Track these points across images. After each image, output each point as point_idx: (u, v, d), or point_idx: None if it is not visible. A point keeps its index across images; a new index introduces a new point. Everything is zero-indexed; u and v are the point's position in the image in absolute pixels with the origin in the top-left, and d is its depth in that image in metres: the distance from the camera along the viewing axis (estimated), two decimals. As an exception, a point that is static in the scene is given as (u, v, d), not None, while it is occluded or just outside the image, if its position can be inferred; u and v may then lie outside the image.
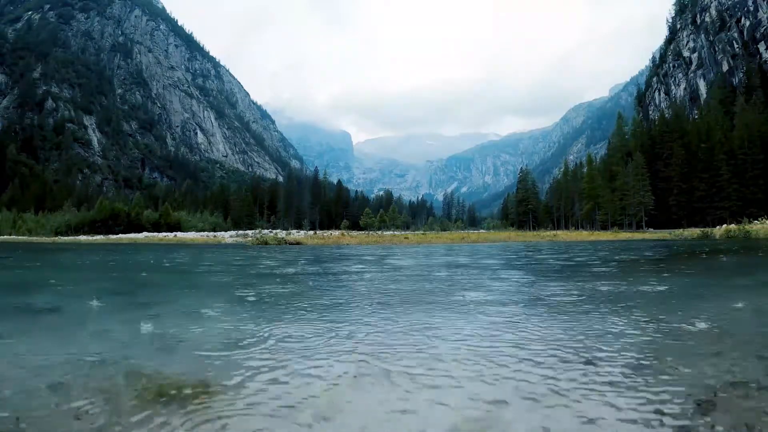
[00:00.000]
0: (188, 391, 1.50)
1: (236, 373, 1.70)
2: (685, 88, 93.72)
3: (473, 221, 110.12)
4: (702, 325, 2.49)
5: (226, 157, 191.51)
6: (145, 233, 42.91)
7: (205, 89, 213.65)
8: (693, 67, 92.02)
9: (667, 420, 1.26)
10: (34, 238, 41.94)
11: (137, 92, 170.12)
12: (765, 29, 76.24)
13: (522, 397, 1.44)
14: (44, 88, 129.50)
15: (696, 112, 76.86)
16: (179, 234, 40.65)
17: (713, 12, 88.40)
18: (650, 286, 4.48)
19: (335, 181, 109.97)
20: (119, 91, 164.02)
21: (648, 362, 1.81)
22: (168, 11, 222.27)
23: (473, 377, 1.65)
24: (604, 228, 51.22)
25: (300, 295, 4.18)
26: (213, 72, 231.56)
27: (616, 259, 8.97)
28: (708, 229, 25.44)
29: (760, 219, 25.30)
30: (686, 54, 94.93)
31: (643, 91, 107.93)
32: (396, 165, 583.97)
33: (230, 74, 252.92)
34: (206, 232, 45.15)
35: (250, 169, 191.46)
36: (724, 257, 9.19)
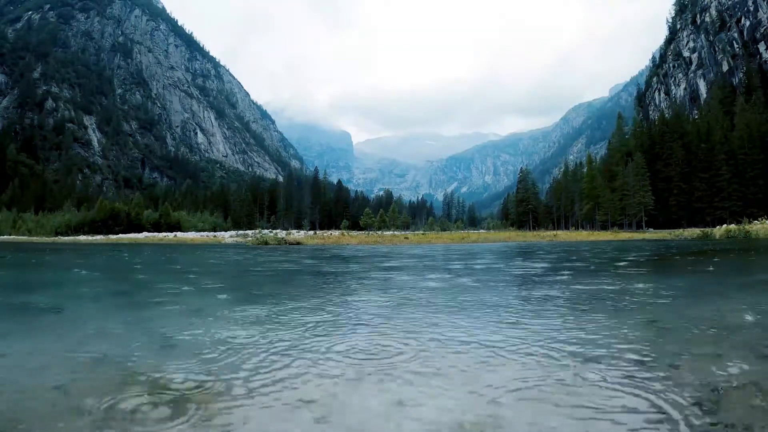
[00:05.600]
0: (188, 390, 1.51)
1: (236, 373, 1.70)
2: (685, 88, 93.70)
3: (473, 221, 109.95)
4: (703, 325, 2.49)
5: (226, 157, 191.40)
6: (145, 233, 42.92)
7: (205, 89, 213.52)
8: (693, 67, 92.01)
9: (667, 420, 1.25)
10: (34, 238, 41.92)
11: (137, 92, 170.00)
12: (765, 29, 76.21)
13: (522, 396, 1.44)
14: (44, 88, 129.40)
15: (696, 112, 76.88)
16: (179, 234, 40.66)
17: (713, 12, 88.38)
18: (650, 285, 4.48)
19: (335, 181, 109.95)
20: (119, 91, 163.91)
21: (648, 362, 1.80)
22: (168, 11, 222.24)
23: (473, 376, 1.65)
24: (604, 228, 51.22)
25: (299, 295, 4.18)
26: (213, 72, 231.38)
27: (617, 259, 8.97)
28: (708, 229, 25.44)
29: (760, 219, 25.29)
30: (686, 54, 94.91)
31: (643, 91, 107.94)
32: (396, 165, 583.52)
33: (230, 74, 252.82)
34: (206, 232, 45.16)
35: (250, 169, 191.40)
36: (724, 257, 9.18)
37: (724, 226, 24.57)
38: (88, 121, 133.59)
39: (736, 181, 49.08)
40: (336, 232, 40.49)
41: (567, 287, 4.43)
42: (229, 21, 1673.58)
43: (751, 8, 79.60)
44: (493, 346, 2.10)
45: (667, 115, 64.87)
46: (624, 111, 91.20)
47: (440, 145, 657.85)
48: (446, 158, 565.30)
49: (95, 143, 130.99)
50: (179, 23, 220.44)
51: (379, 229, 61.06)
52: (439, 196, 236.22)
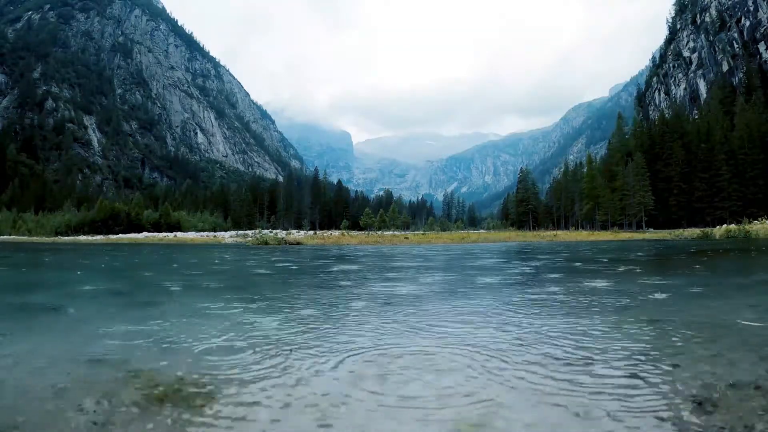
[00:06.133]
0: (188, 391, 1.51)
1: (236, 374, 1.70)
2: (685, 88, 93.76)
3: (473, 221, 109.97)
4: (703, 324, 2.49)
5: (226, 157, 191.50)
6: (145, 233, 42.94)
7: (205, 89, 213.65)
8: (693, 67, 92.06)
9: (666, 420, 1.25)
10: (34, 238, 41.93)
11: (137, 92, 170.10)
12: (765, 29, 76.24)
13: (522, 396, 1.45)
14: (44, 88, 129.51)
15: (696, 112, 76.93)
16: (179, 234, 40.67)
17: (713, 12, 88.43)
18: (650, 285, 4.48)
19: (335, 181, 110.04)
20: (119, 91, 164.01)
21: (648, 361, 1.80)
22: (168, 11, 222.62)
23: (474, 375, 1.66)
24: (604, 228, 51.25)
25: (299, 295, 4.19)
26: (213, 72, 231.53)
27: (617, 259, 8.97)
28: (708, 229, 25.43)
29: (760, 219, 25.30)
30: (686, 54, 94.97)
31: (643, 91, 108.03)
32: (396, 165, 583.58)
33: (230, 74, 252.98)
34: (206, 232, 45.19)
35: (250, 169, 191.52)
36: (724, 257, 9.19)
37: (724, 226, 24.57)
38: (88, 121, 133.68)
39: (736, 181, 49.12)
40: (336, 232, 40.51)
41: (567, 287, 4.43)
42: (229, 21, 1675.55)
43: (751, 8, 79.65)
44: (493, 345, 2.10)
45: (667, 115, 64.90)
46: (624, 111, 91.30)
47: (440, 145, 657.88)
48: (446, 158, 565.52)
49: (95, 143, 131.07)
50: (179, 23, 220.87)
51: (379, 229, 61.08)
52: (439, 196, 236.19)
